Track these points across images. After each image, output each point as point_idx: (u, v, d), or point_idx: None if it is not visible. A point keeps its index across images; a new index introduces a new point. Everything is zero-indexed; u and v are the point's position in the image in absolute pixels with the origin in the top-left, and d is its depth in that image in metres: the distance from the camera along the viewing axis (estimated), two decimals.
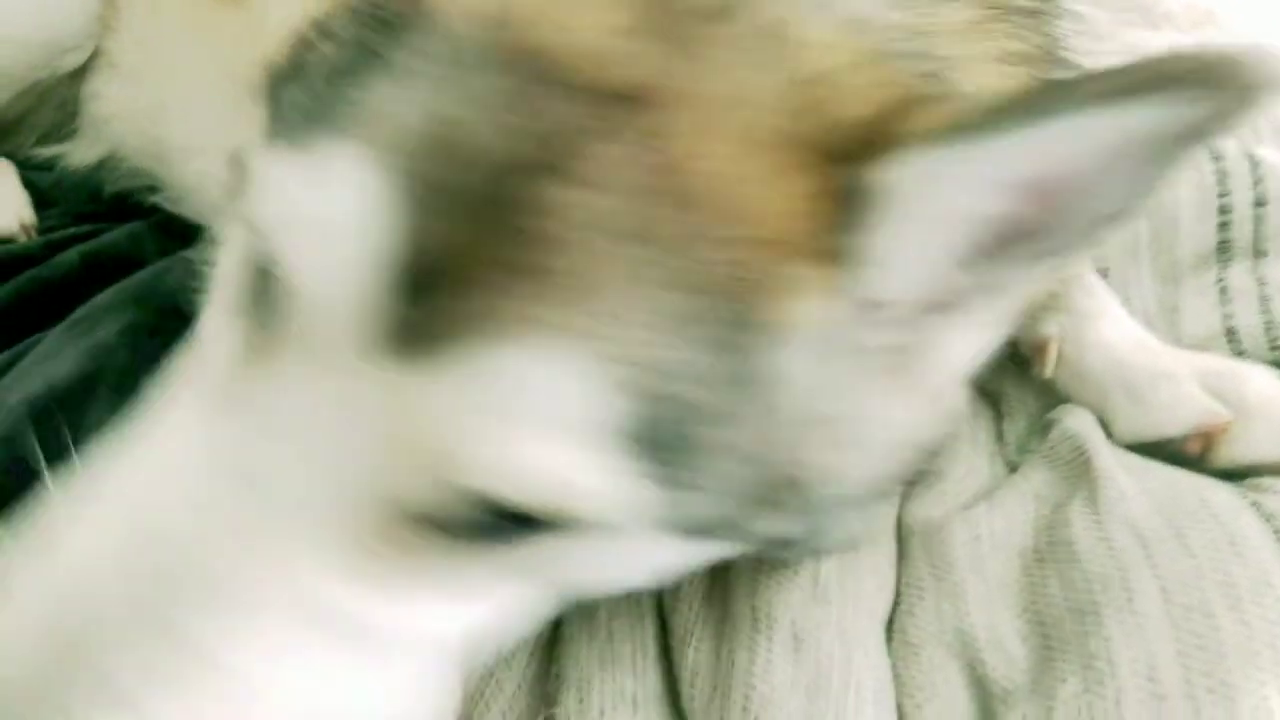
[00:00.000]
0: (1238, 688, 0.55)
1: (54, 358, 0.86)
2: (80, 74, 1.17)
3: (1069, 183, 0.42)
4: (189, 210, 1.09)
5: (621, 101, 0.41)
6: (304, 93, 0.48)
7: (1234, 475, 0.70)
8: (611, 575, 0.53)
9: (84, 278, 1.01)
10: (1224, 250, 0.90)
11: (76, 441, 0.81)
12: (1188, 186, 0.92)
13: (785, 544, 0.56)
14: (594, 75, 0.42)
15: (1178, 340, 0.83)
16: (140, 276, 0.99)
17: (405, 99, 0.42)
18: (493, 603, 0.50)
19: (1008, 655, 0.61)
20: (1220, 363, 0.77)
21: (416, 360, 0.40)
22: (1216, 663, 0.56)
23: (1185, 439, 0.71)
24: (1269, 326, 0.81)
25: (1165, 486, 0.66)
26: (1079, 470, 0.70)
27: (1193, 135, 0.39)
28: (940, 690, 0.61)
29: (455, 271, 0.40)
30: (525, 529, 0.44)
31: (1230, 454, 0.70)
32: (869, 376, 0.48)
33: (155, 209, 1.14)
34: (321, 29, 0.50)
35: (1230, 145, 0.93)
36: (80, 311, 0.93)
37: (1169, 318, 0.87)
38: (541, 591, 0.52)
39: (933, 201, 0.43)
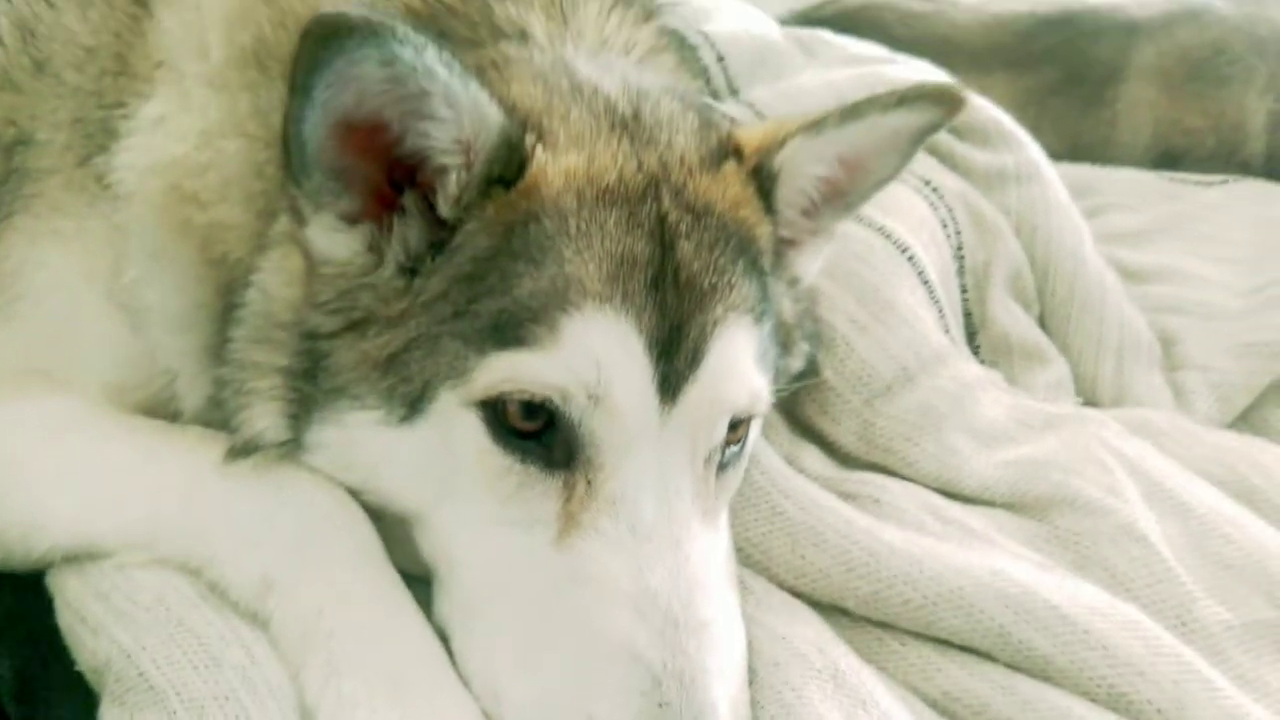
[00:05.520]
0: None
1: None
2: None
3: (865, 160, 0.88)
4: None
5: (660, 191, 0.76)
6: (537, 284, 0.72)
7: None
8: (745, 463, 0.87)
9: None
10: None
11: None
12: None
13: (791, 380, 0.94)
14: (640, 185, 0.76)
15: None
16: None
17: (596, 261, 0.72)
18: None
19: None
20: None
21: (690, 382, 0.74)
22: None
23: None
24: None
25: None
26: None
27: (930, 129, 0.88)
28: None
29: (678, 330, 0.73)
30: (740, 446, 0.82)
31: None
32: (796, 258, 0.93)
33: None
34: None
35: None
36: None
37: None
38: None
39: (797, 171, 0.85)
